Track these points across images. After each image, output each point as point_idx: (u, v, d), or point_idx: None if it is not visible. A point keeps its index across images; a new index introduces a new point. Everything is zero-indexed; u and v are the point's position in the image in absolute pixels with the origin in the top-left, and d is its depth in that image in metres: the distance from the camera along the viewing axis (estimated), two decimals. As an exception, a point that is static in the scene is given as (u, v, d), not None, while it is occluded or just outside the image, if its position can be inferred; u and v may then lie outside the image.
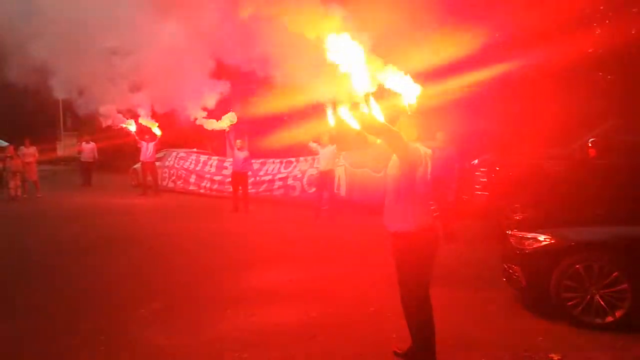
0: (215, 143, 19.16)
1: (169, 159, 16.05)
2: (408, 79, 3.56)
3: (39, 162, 15.30)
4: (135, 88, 10.60)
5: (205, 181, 14.71)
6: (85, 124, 20.04)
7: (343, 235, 8.73)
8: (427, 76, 3.59)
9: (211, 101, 9.59)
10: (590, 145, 7.09)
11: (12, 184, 13.41)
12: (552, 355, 3.76)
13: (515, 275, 4.73)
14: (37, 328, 4.45)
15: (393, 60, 3.55)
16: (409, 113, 3.55)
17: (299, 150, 12.46)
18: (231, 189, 12.04)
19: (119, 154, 21.02)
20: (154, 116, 12.23)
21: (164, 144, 15.60)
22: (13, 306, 5.06)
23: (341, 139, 9.94)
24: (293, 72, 4.41)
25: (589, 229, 4.74)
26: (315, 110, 7.14)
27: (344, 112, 3.79)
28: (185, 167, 15.49)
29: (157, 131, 13.07)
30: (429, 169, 3.48)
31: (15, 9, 8.86)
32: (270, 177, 13.04)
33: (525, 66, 10.49)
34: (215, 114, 10.24)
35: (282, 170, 12.92)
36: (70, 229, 9.40)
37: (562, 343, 3.99)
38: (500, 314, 4.70)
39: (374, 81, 3.41)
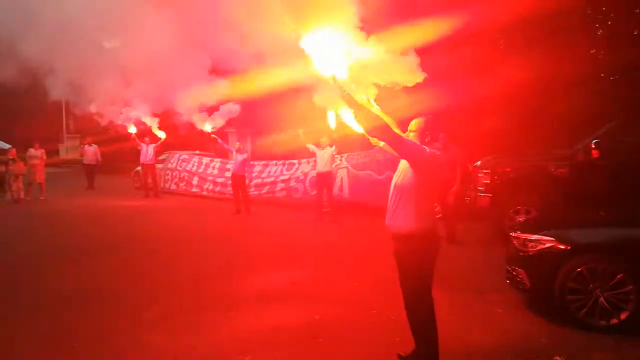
0: (217, 145, 19.10)
1: (172, 161, 16.07)
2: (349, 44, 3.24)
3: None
4: (128, 84, 10.58)
5: (208, 183, 14.71)
6: (87, 126, 20.06)
7: (346, 237, 8.72)
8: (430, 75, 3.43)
9: (209, 99, 9.60)
10: (593, 146, 7.06)
11: (14, 187, 13.45)
12: (557, 357, 3.75)
13: (518, 278, 4.71)
14: (40, 330, 4.45)
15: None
16: (331, 83, 3.27)
17: (300, 152, 12.42)
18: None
19: (121, 157, 21.05)
20: (155, 116, 12.26)
21: (167, 146, 15.61)
22: (16, 307, 5.05)
23: (343, 141, 9.92)
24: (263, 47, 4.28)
25: (593, 231, 4.72)
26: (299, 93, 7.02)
27: (347, 115, 3.72)
28: (188, 169, 15.49)
29: (161, 134, 13.08)
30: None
31: (7, 7, 8.81)
32: (272, 178, 13.04)
33: (528, 68, 10.48)
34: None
35: (285, 172, 12.92)
36: (73, 232, 9.42)
37: (567, 345, 3.98)
38: (504, 316, 4.68)
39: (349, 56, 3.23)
